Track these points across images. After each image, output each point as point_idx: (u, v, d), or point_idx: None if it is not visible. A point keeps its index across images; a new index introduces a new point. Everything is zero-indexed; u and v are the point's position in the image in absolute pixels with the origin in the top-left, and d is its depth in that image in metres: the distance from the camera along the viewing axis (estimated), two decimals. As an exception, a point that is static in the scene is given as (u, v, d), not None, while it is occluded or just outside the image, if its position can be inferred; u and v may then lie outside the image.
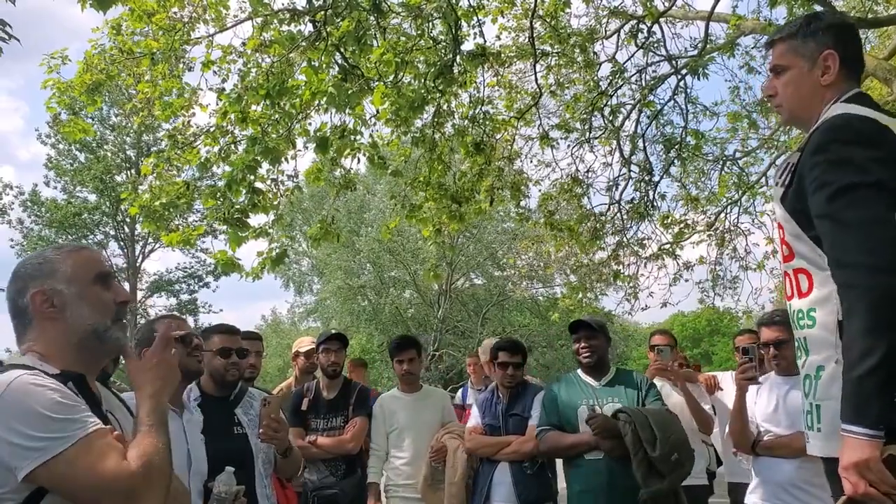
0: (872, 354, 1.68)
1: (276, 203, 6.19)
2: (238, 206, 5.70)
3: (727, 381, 4.57)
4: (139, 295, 27.48)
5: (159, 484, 1.59)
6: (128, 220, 25.59)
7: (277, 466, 3.31)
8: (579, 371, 3.90)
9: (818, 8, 8.11)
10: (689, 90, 9.24)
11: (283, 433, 3.13)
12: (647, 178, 9.53)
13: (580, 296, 11.79)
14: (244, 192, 5.71)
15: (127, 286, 26.19)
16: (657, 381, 4.36)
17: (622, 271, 10.46)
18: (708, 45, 8.74)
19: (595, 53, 8.89)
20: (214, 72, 6.42)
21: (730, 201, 10.74)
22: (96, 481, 1.49)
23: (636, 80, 9.23)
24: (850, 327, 1.75)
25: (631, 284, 10.78)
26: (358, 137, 6.26)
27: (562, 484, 3.82)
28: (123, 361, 1.87)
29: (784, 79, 2.09)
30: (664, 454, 3.36)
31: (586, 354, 3.79)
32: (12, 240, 26.31)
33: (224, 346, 3.21)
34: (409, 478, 4.31)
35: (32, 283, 1.70)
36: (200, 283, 28.72)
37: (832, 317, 1.84)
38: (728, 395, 4.43)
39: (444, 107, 7.20)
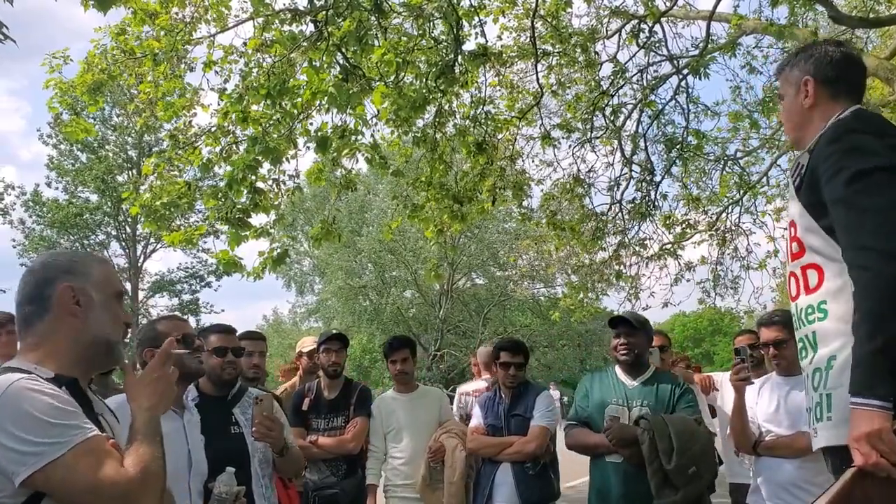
0: (883, 333, 1.71)
1: (277, 203, 6.19)
2: (239, 206, 5.70)
3: (726, 381, 4.57)
4: (141, 295, 27.52)
5: (154, 492, 1.61)
6: (129, 220, 25.62)
7: (277, 466, 3.31)
8: (616, 368, 3.78)
9: (819, 8, 8.12)
10: (690, 90, 9.24)
11: (276, 432, 3.13)
12: (648, 178, 9.53)
13: (581, 296, 11.80)
14: (245, 191, 5.71)
15: (129, 286, 26.25)
16: None
17: (623, 271, 10.46)
18: (709, 45, 8.74)
19: (596, 53, 8.89)
20: (216, 72, 6.43)
21: (731, 201, 10.74)
22: (94, 486, 1.50)
23: (637, 80, 9.24)
24: (861, 307, 1.77)
25: (632, 284, 10.79)
26: (359, 137, 6.26)
27: (585, 478, 3.80)
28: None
29: (782, 105, 2.26)
30: (680, 466, 3.27)
31: (623, 352, 3.68)
32: (14, 240, 26.38)
33: (220, 345, 3.20)
34: (407, 478, 4.30)
35: (64, 276, 1.71)
36: (202, 283, 28.75)
37: (847, 306, 1.85)
38: (727, 395, 4.43)
39: (446, 107, 7.20)
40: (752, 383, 3.42)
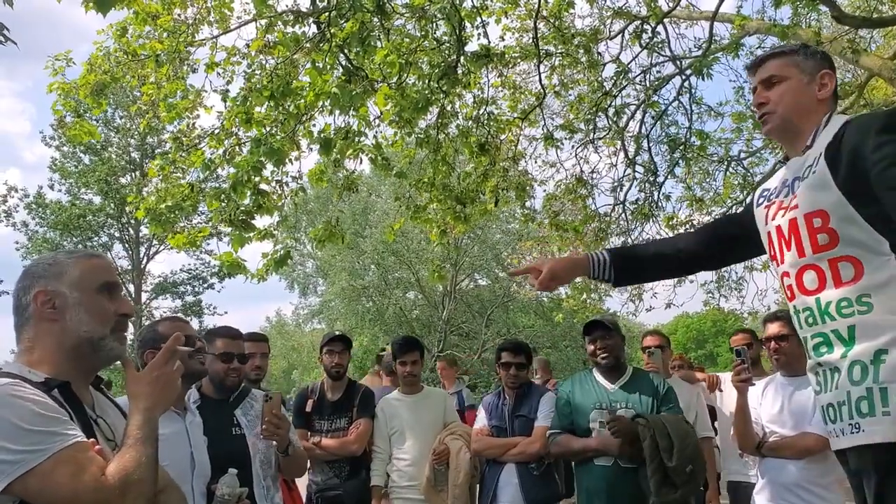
0: None
1: (280, 204, 6.18)
2: (242, 208, 5.70)
3: (728, 381, 4.56)
4: (144, 297, 27.53)
5: (137, 498, 1.57)
6: (132, 222, 25.65)
7: (281, 466, 3.30)
8: (594, 371, 3.79)
9: (823, 8, 8.09)
10: (693, 90, 9.21)
11: (283, 430, 3.14)
12: (651, 179, 9.52)
13: (584, 297, 11.79)
14: (249, 193, 5.70)
15: (132, 288, 26.29)
16: None
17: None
18: (712, 46, 8.73)
19: (599, 54, 8.89)
20: (218, 73, 6.43)
21: (734, 202, 10.72)
22: (72, 495, 1.48)
23: (640, 81, 9.23)
24: None
25: (635, 286, 10.77)
26: (361, 139, 6.26)
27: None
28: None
29: (782, 88, 2.16)
30: (680, 464, 3.29)
31: (603, 355, 3.70)
32: (17, 242, 26.39)
33: (226, 350, 3.20)
34: (412, 479, 4.29)
35: (38, 282, 1.71)
36: (205, 285, 28.72)
37: None
38: (727, 396, 4.42)
39: (448, 108, 7.20)
40: (754, 384, 3.41)
